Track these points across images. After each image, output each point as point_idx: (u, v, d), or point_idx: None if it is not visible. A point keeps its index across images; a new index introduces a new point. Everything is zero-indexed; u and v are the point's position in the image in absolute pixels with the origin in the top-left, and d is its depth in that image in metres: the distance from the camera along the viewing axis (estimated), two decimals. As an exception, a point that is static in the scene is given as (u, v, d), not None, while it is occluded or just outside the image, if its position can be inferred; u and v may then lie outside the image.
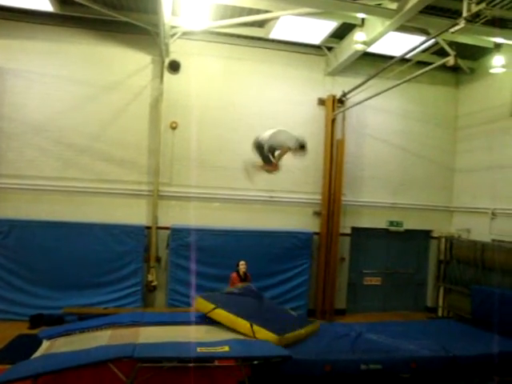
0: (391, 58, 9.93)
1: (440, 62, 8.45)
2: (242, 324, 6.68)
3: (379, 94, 9.92)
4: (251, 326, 6.57)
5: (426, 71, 8.85)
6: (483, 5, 6.99)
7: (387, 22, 8.52)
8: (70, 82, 10.33)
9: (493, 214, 10.88)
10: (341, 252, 11.71)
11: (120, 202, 10.51)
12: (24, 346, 7.51)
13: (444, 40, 9.42)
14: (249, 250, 10.28)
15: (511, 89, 10.72)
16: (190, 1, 9.08)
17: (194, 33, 10.63)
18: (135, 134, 10.64)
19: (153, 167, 10.61)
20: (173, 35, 10.47)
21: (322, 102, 11.57)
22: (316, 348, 6.76)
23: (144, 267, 10.49)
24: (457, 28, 7.29)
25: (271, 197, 11.19)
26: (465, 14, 7.07)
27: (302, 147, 6.80)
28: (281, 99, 11.24)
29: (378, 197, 12.00)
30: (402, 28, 8.94)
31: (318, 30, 10.09)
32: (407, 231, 12.31)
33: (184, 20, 10.05)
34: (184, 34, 10.61)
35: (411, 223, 12.30)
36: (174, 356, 5.72)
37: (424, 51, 10.07)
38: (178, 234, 10.51)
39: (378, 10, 8.29)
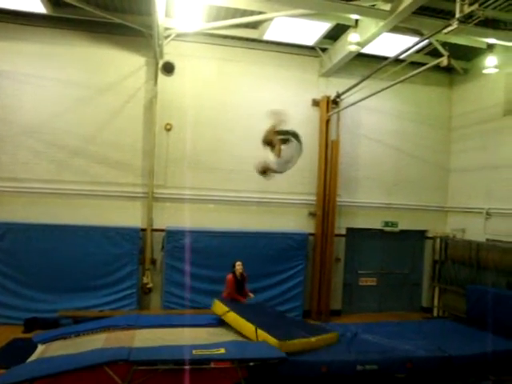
0: (385, 58, 9.97)
1: (433, 62, 8.48)
2: (248, 327, 6.90)
3: (373, 94, 9.94)
4: (256, 329, 6.72)
5: (420, 72, 8.88)
6: (476, 6, 7.02)
7: (381, 23, 8.55)
8: (64, 83, 10.29)
9: (487, 213, 10.93)
10: (336, 253, 11.71)
11: (115, 205, 10.47)
12: (19, 350, 7.48)
13: (437, 41, 9.47)
14: (244, 251, 10.25)
15: (504, 89, 10.79)
16: (183, 2, 9.09)
17: (187, 34, 10.61)
18: (130, 136, 10.61)
19: (147, 169, 10.58)
20: (167, 37, 10.45)
21: (316, 103, 11.59)
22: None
23: (139, 269, 10.45)
24: (450, 29, 7.33)
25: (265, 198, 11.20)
26: (458, 14, 7.11)
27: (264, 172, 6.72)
28: (275, 100, 11.19)
29: (372, 197, 12.03)
30: (396, 29, 8.97)
31: (311, 31, 10.11)
32: (402, 231, 12.34)
33: (178, 22, 10.05)
34: (178, 35, 10.60)
35: (406, 223, 12.34)
36: (169, 359, 5.73)
37: (418, 52, 10.12)
38: (173, 236, 10.48)
39: (371, 11, 8.32)
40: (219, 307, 7.82)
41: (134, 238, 10.34)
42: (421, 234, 12.62)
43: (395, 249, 12.42)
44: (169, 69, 10.76)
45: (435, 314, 12.13)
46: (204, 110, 10.91)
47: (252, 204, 11.19)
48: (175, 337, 6.90)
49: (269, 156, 6.71)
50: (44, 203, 10.14)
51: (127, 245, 10.28)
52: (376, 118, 12.07)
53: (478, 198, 11.30)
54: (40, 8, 9.35)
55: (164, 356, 5.79)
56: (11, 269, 9.79)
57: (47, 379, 5.39)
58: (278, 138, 6.61)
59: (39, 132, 10.17)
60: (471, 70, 11.83)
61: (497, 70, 10.12)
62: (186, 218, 10.52)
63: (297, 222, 11.52)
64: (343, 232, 11.89)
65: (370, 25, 8.93)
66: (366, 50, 10.12)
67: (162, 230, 10.57)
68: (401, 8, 7.82)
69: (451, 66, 10.10)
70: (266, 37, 10.55)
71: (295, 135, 6.74)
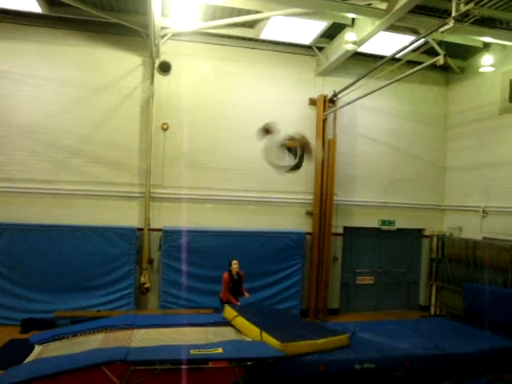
0: (382, 57, 9.99)
1: (430, 61, 8.48)
2: (254, 331, 6.91)
3: (370, 93, 9.94)
4: (260, 332, 6.74)
5: (417, 71, 8.88)
6: (472, 4, 7.04)
7: (377, 22, 8.56)
8: (61, 83, 10.26)
9: (484, 212, 10.95)
10: (333, 252, 11.72)
11: (112, 204, 10.45)
12: (16, 351, 7.45)
13: (434, 39, 9.45)
14: (241, 250, 10.24)
15: (500, 87, 10.80)
16: (179, 2, 9.08)
17: (184, 34, 10.60)
18: (126, 136, 10.59)
19: (144, 169, 10.56)
20: (163, 36, 10.42)
21: (313, 102, 11.58)
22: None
23: (136, 269, 10.43)
24: (446, 28, 7.33)
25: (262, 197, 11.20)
26: (454, 13, 7.11)
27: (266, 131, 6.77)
28: (272, 99, 11.24)
29: (369, 196, 12.04)
30: (392, 28, 9.00)
31: (308, 30, 10.11)
32: (399, 230, 12.35)
33: (174, 21, 10.04)
34: (174, 35, 10.57)
35: (403, 222, 12.35)
36: (167, 359, 5.72)
37: (414, 51, 10.08)
38: (171, 236, 10.47)
39: (367, 10, 8.32)
40: (229, 312, 7.83)
41: (131, 237, 10.31)
42: (418, 233, 12.63)
43: (392, 247, 12.43)
44: (165, 68, 10.75)
45: (432, 312, 12.15)
46: (201, 110, 10.89)
47: (249, 203, 11.19)
48: (173, 337, 6.89)
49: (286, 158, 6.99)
50: (40, 203, 10.10)
51: (124, 245, 10.26)
52: (373, 117, 12.08)
53: (475, 196, 11.33)
54: (35, 7, 9.30)
55: (162, 356, 5.78)
56: (8, 269, 9.76)
57: (45, 380, 5.36)
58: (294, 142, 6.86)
59: (36, 132, 10.13)
60: (467, 69, 11.85)
61: (493, 69, 10.17)
62: (183, 218, 10.51)
63: (294, 221, 11.53)
64: (340, 231, 11.89)
65: (366, 24, 8.94)
66: (363, 48, 10.14)
67: (159, 230, 10.56)
68: (397, 7, 7.84)
69: (447, 64, 10.12)
70: (263, 36, 10.55)
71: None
